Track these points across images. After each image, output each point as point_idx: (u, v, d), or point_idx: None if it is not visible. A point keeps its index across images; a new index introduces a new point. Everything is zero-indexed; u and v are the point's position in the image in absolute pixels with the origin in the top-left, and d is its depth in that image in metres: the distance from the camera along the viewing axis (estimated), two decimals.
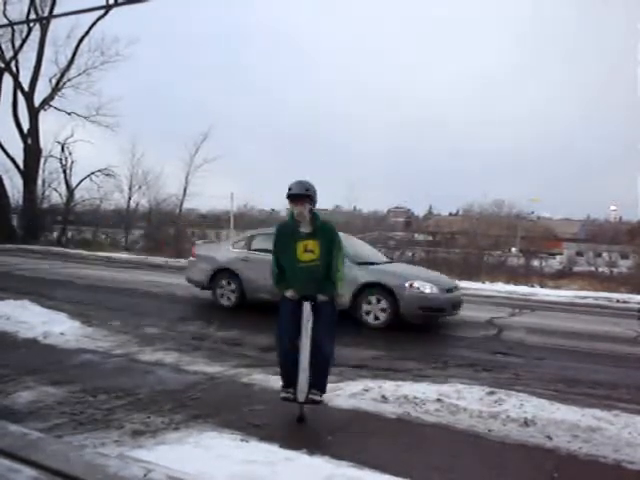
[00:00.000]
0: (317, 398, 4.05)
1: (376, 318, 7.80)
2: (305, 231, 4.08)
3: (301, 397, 3.99)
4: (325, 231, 4.13)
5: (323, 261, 4.08)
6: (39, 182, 27.96)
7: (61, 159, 28.18)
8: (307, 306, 3.99)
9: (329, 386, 4.68)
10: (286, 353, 4.07)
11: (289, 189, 4.05)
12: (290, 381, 4.06)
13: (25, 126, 26.80)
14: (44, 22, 25.26)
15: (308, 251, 4.07)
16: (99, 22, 25.13)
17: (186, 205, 29.65)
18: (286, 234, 4.13)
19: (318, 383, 4.06)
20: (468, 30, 77.94)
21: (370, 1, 71.99)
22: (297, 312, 4.00)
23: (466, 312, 9.91)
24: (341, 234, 4.53)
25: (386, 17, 77.61)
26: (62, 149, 28.01)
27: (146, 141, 44.13)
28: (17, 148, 26.91)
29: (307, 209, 4.05)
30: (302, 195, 4.02)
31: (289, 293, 4.09)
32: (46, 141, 27.54)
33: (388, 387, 4.58)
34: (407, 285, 7.78)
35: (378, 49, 76.37)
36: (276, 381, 4.90)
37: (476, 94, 76.93)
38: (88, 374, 4.97)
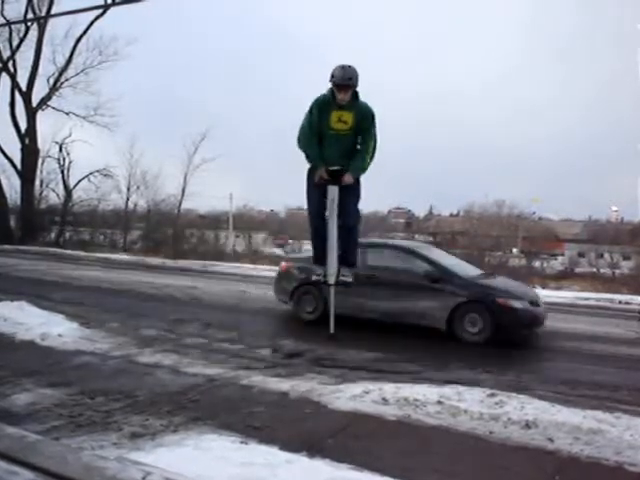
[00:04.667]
0: (347, 279, 4.31)
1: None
2: (342, 103, 4.21)
3: (331, 279, 4.25)
4: (362, 108, 4.27)
5: (353, 133, 4.26)
6: (37, 182, 27.90)
7: (59, 159, 28.14)
8: (333, 191, 4.17)
9: (328, 388, 4.68)
10: (317, 232, 4.31)
11: (332, 76, 4.17)
12: (321, 259, 4.29)
13: (23, 126, 26.75)
14: (42, 21, 25.20)
15: (342, 121, 4.24)
16: (97, 21, 25.08)
17: (185, 205, 29.62)
18: (323, 103, 4.26)
19: (347, 261, 4.28)
20: (467, 28, 78.08)
21: (371, 1, 72.12)
22: (324, 194, 4.22)
23: None
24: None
25: (387, 17, 77.66)
26: (60, 149, 27.96)
27: (145, 141, 44.07)
28: (15, 148, 26.87)
29: (349, 94, 4.19)
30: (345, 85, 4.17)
31: (317, 176, 4.23)
32: (44, 141, 27.49)
33: (388, 389, 4.56)
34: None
35: (377, 49, 76.38)
36: (275, 383, 4.89)
37: (476, 94, 77.09)
38: (86, 376, 4.94)
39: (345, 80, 4.13)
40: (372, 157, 4.34)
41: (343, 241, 4.20)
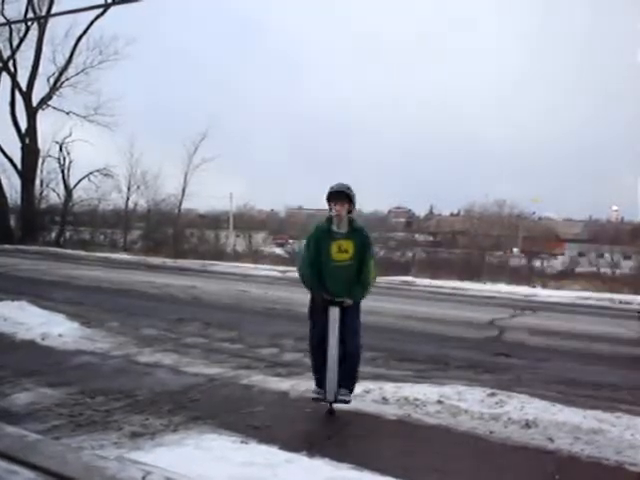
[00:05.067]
0: (346, 398, 4.18)
1: None
2: (341, 231, 4.23)
3: (330, 397, 4.14)
4: (360, 233, 4.29)
5: (356, 262, 4.24)
6: (37, 182, 27.91)
7: (59, 159, 28.10)
8: (334, 311, 4.15)
9: None
10: (317, 354, 4.24)
11: (330, 188, 4.20)
12: (321, 381, 4.21)
13: (23, 126, 26.77)
14: (42, 21, 25.20)
15: (342, 251, 4.22)
16: (97, 21, 25.10)
17: (185, 205, 29.57)
18: (321, 232, 4.27)
19: (346, 383, 4.20)
20: (469, 31, 77.97)
21: (370, 2, 71.97)
22: (326, 316, 4.16)
23: (467, 313, 9.91)
24: None
25: (386, 17, 77.42)
26: (60, 149, 27.92)
27: (145, 141, 43.90)
28: (15, 148, 26.89)
29: (345, 209, 4.19)
30: (342, 195, 4.17)
31: (322, 297, 4.22)
32: (44, 141, 27.48)
33: (389, 389, 4.56)
34: None
35: (378, 49, 76.29)
36: (275, 383, 4.90)
37: (477, 94, 76.97)
38: (86, 375, 4.94)
39: (342, 187, 4.18)
40: (371, 284, 4.42)
41: (342, 367, 4.17)
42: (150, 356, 5.70)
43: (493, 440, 3.80)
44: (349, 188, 4.22)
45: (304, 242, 4.47)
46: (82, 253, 21.57)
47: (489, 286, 15.28)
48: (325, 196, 4.24)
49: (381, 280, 15.94)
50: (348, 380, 4.20)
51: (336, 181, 4.28)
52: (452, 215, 47.41)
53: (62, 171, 28.27)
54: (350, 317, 4.22)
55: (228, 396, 4.55)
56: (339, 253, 4.22)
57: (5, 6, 24.89)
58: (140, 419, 3.92)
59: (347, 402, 4.17)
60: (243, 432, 3.72)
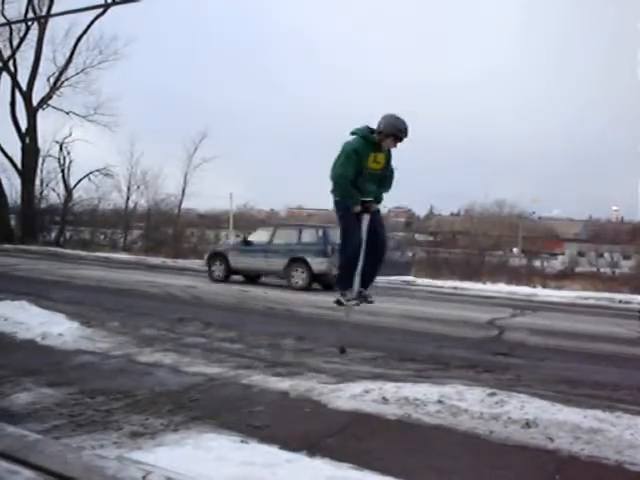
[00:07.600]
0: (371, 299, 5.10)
1: None
2: (384, 147, 4.89)
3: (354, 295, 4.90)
4: (389, 151, 5.00)
5: (383, 171, 4.99)
6: (37, 182, 28.01)
7: (59, 159, 28.19)
8: (367, 218, 4.87)
9: (329, 387, 4.68)
10: (349, 258, 4.94)
11: (399, 130, 4.74)
12: (348, 285, 4.95)
13: (23, 125, 26.87)
14: (42, 21, 25.24)
15: (376, 162, 4.91)
16: (97, 20, 25.20)
17: (185, 205, 29.64)
18: (364, 148, 4.84)
19: (371, 281, 5.09)
20: (467, 27, 77.95)
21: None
22: (358, 223, 4.88)
23: (467, 313, 9.92)
24: None
25: (388, 14, 77.54)
26: (60, 149, 28.03)
27: (145, 141, 43.99)
28: (15, 148, 26.98)
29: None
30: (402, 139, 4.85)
31: (355, 208, 4.87)
32: (44, 141, 27.60)
33: (389, 388, 4.55)
34: None
35: (379, 47, 76.30)
36: (275, 382, 4.89)
37: (476, 93, 76.98)
38: (86, 375, 4.94)
39: (405, 136, 4.76)
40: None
41: (373, 268, 4.95)
42: (150, 356, 5.69)
43: (493, 440, 3.79)
44: (407, 134, 4.76)
45: (345, 147, 4.89)
46: (82, 253, 21.60)
47: (489, 286, 15.31)
48: (387, 126, 4.72)
49: (381, 280, 15.97)
50: (371, 281, 5.06)
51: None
52: (452, 215, 47.47)
53: (62, 171, 28.37)
54: (380, 222, 5.04)
55: (228, 396, 4.55)
56: (374, 163, 4.87)
57: (5, 6, 25.06)
58: (140, 419, 3.91)
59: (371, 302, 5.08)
60: (243, 432, 3.71)
